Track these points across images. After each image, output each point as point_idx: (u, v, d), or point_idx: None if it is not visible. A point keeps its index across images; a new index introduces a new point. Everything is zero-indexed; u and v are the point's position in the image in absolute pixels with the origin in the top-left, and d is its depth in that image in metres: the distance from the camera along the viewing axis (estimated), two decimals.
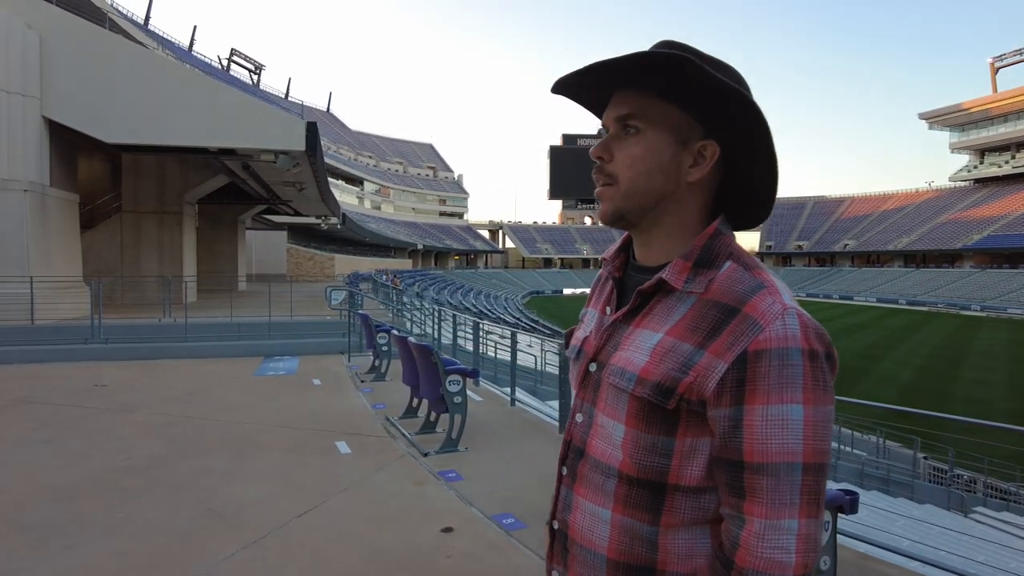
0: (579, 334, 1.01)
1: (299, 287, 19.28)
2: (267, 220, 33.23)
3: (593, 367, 0.91)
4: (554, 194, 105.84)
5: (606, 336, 0.90)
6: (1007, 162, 74.97)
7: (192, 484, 4.27)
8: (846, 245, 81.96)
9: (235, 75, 59.27)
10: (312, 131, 13.42)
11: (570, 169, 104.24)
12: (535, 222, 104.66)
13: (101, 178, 18.86)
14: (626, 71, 0.83)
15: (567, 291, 77.51)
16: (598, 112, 0.93)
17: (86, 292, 11.90)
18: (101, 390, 7.35)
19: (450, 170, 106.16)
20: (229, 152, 14.00)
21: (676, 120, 0.85)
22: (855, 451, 14.46)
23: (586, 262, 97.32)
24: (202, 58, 52.74)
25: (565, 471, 0.93)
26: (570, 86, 0.88)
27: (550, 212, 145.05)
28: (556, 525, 0.92)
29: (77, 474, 4.43)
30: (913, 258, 72.29)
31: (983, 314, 49.81)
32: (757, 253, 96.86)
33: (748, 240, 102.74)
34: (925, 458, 14.03)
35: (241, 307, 13.93)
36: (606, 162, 0.88)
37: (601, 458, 0.86)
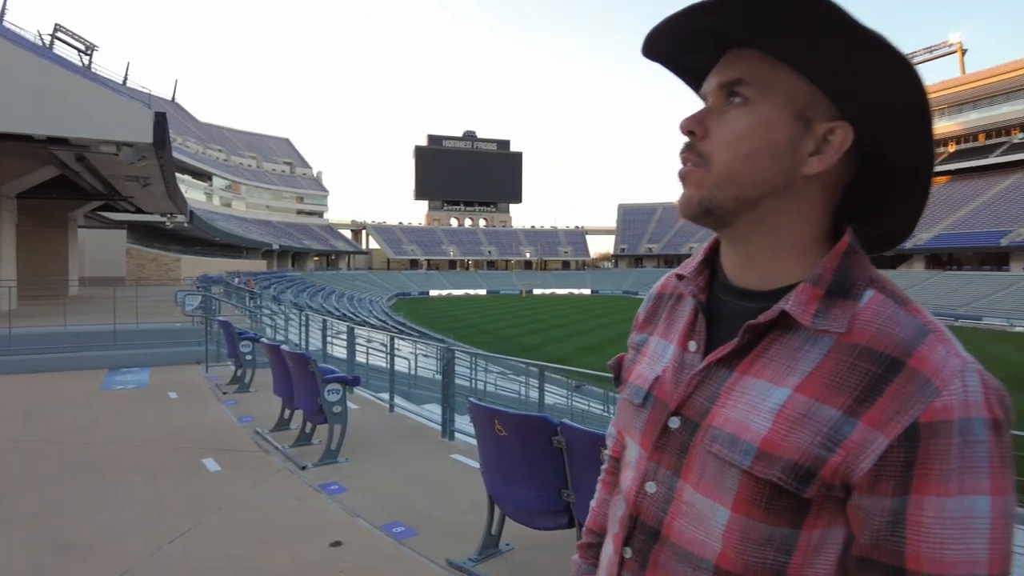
0: (643, 371, 0.79)
1: (143, 291, 17.67)
2: (103, 218, 30.11)
3: (675, 423, 0.70)
4: (420, 194, 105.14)
5: (696, 383, 0.69)
6: None
7: (39, 518, 3.81)
8: (692, 247, 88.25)
9: (61, 54, 53.07)
10: (161, 122, 12.38)
11: (436, 169, 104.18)
12: (401, 223, 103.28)
13: None
14: (747, 12, 0.61)
15: (434, 292, 77.26)
16: (697, 83, 0.72)
17: None
18: None
19: (308, 166, 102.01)
20: (60, 141, 12.54)
21: (798, 92, 0.64)
22: None
23: (452, 263, 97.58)
24: (16, 30, 46.64)
25: (629, 554, 0.72)
26: (668, 38, 0.67)
27: (416, 213, 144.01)
28: None
29: None
30: None
31: None
32: (612, 255, 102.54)
33: (604, 243, 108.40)
34: None
35: (77, 314, 12.53)
36: (699, 139, 0.68)
37: (689, 547, 0.66)
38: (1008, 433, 0.57)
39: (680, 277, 0.80)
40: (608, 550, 0.78)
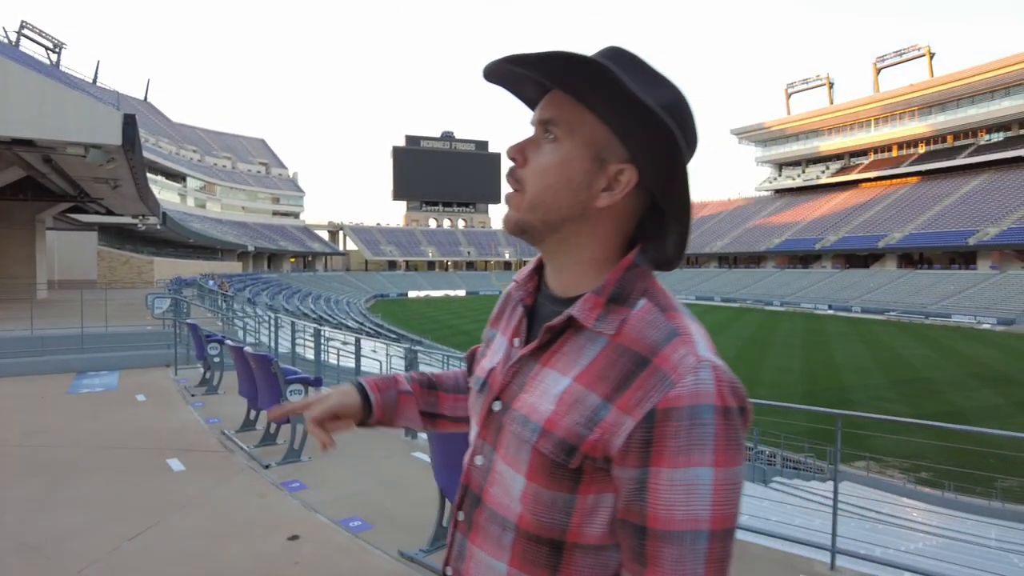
0: (485, 363, 0.90)
1: (114, 294, 17.51)
2: (73, 220, 29.68)
3: (497, 406, 0.82)
4: (398, 195, 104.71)
5: (512, 373, 0.82)
6: (799, 175, 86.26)
7: (1, 519, 3.86)
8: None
9: (27, 51, 52.12)
10: (130, 124, 12.28)
11: (414, 170, 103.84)
12: (378, 224, 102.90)
13: None
14: (545, 69, 0.73)
15: (412, 294, 77.06)
16: (533, 108, 0.83)
17: None
18: None
19: (284, 167, 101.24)
20: (26, 143, 12.40)
21: (597, 135, 0.75)
22: None
23: (431, 264, 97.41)
24: None
25: (462, 517, 0.86)
26: (497, 74, 0.79)
27: (394, 214, 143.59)
28: (450, 572, 0.87)
29: None
30: (726, 259, 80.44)
31: (782, 308, 56.70)
32: None
33: None
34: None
35: (44, 318, 12.41)
36: (519, 166, 0.79)
37: (498, 509, 0.79)
38: (739, 417, 0.68)
39: (516, 282, 0.92)
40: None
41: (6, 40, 50.66)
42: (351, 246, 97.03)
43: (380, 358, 11.92)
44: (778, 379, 23.24)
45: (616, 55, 0.76)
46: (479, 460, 0.84)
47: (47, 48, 56.84)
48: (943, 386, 21.90)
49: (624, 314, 0.75)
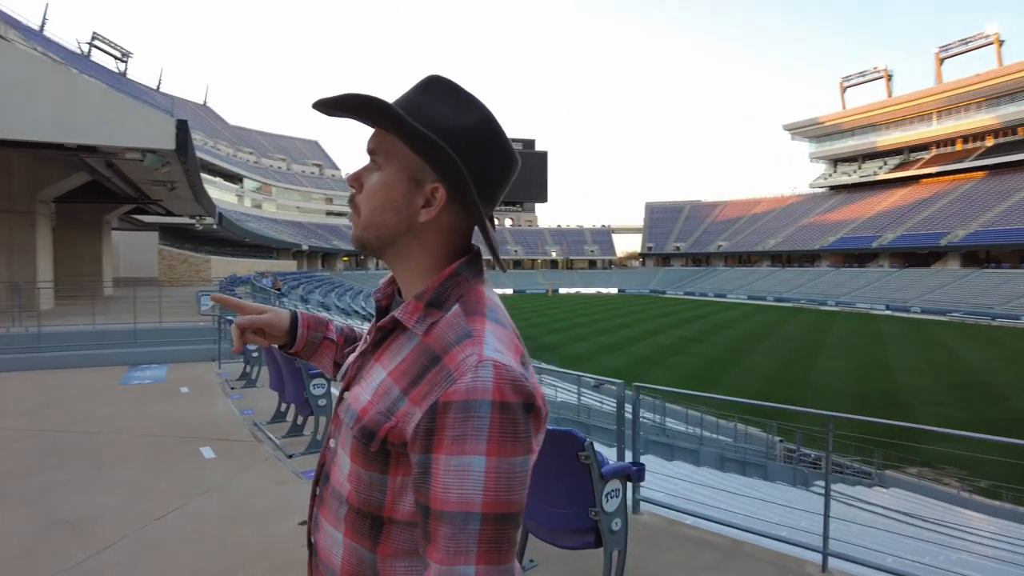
0: (350, 357, 0.99)
1: (172, 291, 18.41)
2: (136, 220, 31.18)
3: (345, 396, 0.93)
4: None
5: (357, 367, 0.93)
6: (855, 171, 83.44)
7: (43, 497, 4.21)
8: (720, 246, 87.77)
9: (97, 62, 54.85)
10: (183, 129, 12.89)
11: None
12: None
13: None
14: (344, 110, 0.84)
15: None
16: None
17: None
18: None
19: (337, 168, 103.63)
20: (90, 149, 13.18)
21: (411, 160, 0.85)
22: (720, 437, 15.83)
23: None
24: (57, 41, 48.38)
25: (318, 492, 0.96)
26: (326, 110, 0.87)
27: None
28: (313, 541, 0.96)
29: None
30: (779, 258, 78.53)
31: (837, 309, 55.02)
32: (639, 254, 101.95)
33: (631, 241, 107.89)
34: (780, 441, 15.68)
35: (106, 313, 13.14)
36: (356, 192, 0.90)
37: (336, 486, 0.90)
38: (522, 413, 0.76)
39: (380, 286, 1.04)
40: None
41: (79, 52, 53.42)
42: None
43: None
44: (825, 381, 22.62)
45: (431, 83, 0.88)
46: (332, 443, 0.95)
47: (116, 58, 59.72)
48: (1008, 391, 20.89)
49: (437, 317, 0.84)
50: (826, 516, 3.38)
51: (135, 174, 17.12)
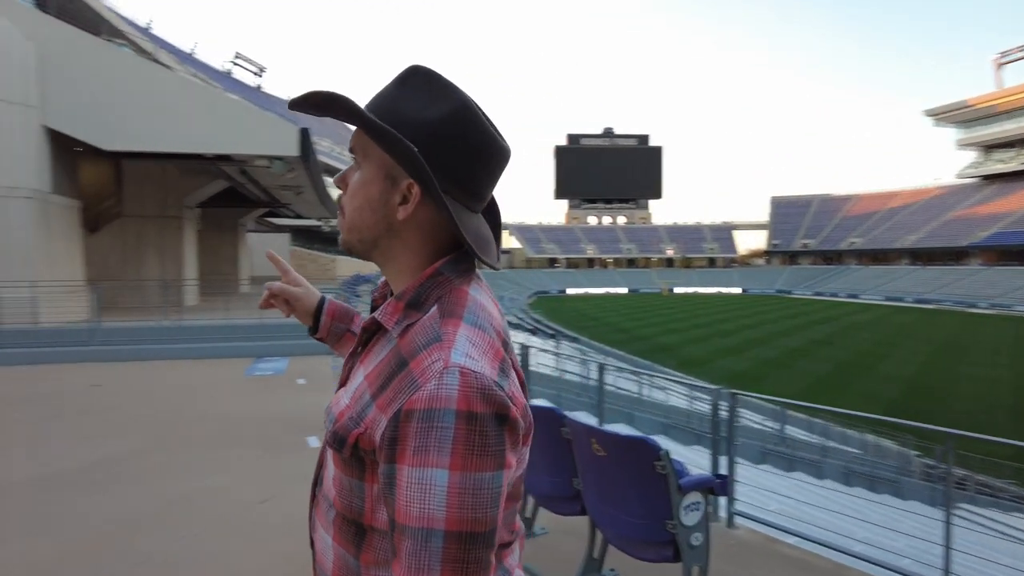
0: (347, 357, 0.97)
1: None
2: (269, 223, 33.70)
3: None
4: (560, 194, 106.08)
5: (349, 367, 0.91)
6: (1013, 158, 74.66)
7: (166, 474, 4.61)
8: (852, 243, 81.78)
9: (238, 78, 59.88)
10: (305, 137, 13.76)
11: (576, 168, 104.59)
12: (540, 222, 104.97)
13: (104, 183, 19.29)
14: (310, 107, 0.82)
15: (571, 291, 77.73)
16: None
17: (88, 295, 12.29)
18: (95, 390, 7.72)
19: None
20: (225, 158, 14.39)
21: (385, 157, 0.82)
22: (847, 449, 14.71)
23: (591, 262, 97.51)
24: (205, 62, 53.32)
25: (316, 492, 0.95)
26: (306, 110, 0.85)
27: (556, 212, 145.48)
28: (312, 540, 0.95)
29: (61, 467, 4.78)
30: (919, 255, 72.03)
31: (990, 312, 49.66)
32: (763, 252, 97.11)
33: (754, 239, 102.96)
34: (917, 455, 14.32)
35: (239, 309, 14.26)
36: (343, 193, 0.88)
37: (327, 490, 0.88)
38: (492, 424, 0.69)
39: (379, 286, 1.01)
40: None
41: (223, 70, 58.62)
42: (514, 244, 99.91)
43: (548, 360, 12.23)
44: (977, 391, 20.42)
45: (409, 75, 0.84)
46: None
47: (253, 73, 64.87)
48: None
49: (415, 319, 0.79)
50: (947, 546, 3.01)
51: (265, 180, 18.49)
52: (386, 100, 0.83)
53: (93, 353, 10.37)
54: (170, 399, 7.26)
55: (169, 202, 17.79)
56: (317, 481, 0.95)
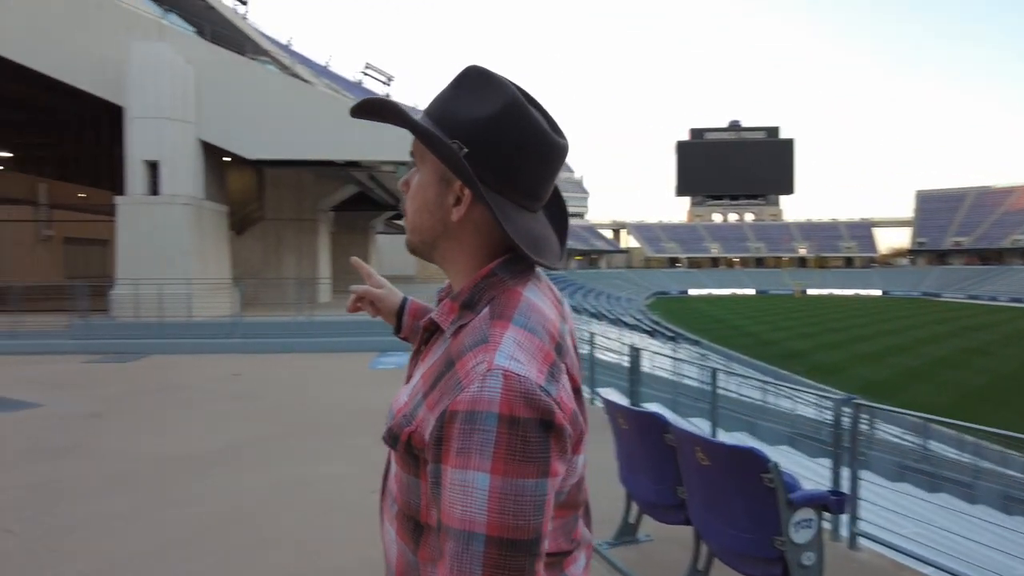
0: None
1: (423, 287, 20.42)
2: (396, 225, 35.29)
3: None
4: (681, 190, 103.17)
5: (412, 365, 0.92)
6: None
7: (290, 460, 4.95)
8: (1017, 240, 72.99)
9: (368, 88, 63.20)
10: None
11: (698, 164, 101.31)
12: (660, 220, 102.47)
13: (249, 190, 21.08)
14: (364, 113, 0.84)
15: (693, 292, 75.26)
16: None
17: (234, 292, 13.49)
18: (235, 379, 8.44)
19: (571, 171, 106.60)
20: (355, 164, 15.27)
21: (437, 159, 0.83)
22: (1007, 472, 13.13)
23: (715, 261, 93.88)
24: (338, 74, 56.81)
25: (385, 485, 0.95)
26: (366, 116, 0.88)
27: (677, 210, 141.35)
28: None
29: (200, 448, 5.27)
30: None
31: None
32: (908, 251, 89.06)
33: (897, 236, 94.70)
34: None
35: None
36: (406, 195, 0.89)
37: (390, 484, 0.89)
38: (536, 430, 0.68)
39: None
40: None
41: (355, 81, 62.20)
42: (632, 243, 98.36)
43: (665, 363, 11.95)
44: None
45: (464, 75, 0.85)
46: None
47: (382, 82, 68.29)
48: None
49: (468, 320, 0.79)
50: None
51: (392, 184, 19.40)
52: (441, 102, 0.84)
53: (235, 345, 11.37)
54: (301, 389, 7.80)
55: (305, 206, 19.15)
56: (386, 475, 0.96)
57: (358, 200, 21.66)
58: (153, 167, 13.54)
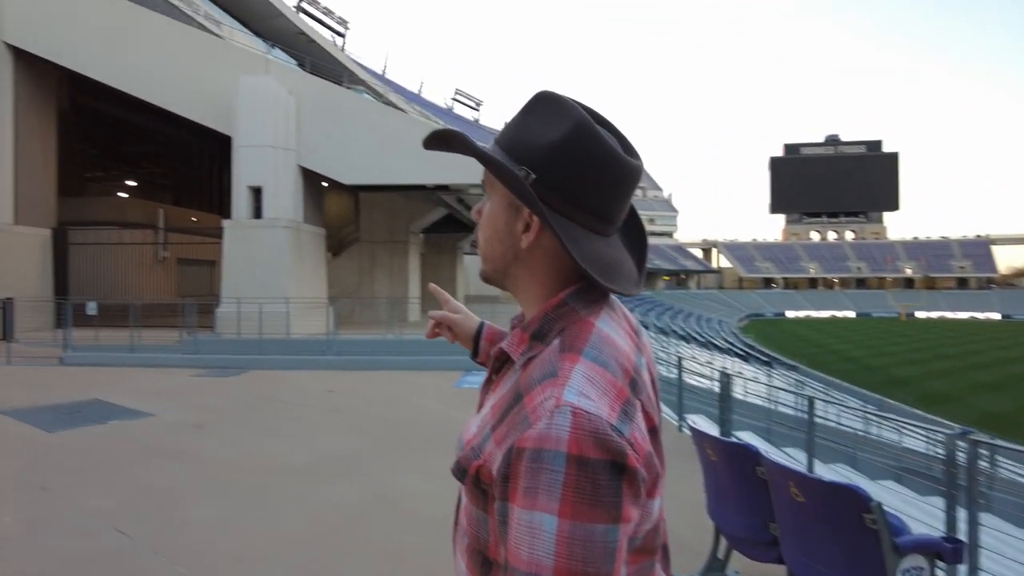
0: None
1: (507, 307, 20.55)
2: None
3: None
4: (776, 208, 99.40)
5: (484, 394, 0.89)
6: None
7: (377, 475, 5.05)
8: None
9: (458, 113, 65.01)
10: None
11: (794, 180, 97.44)
12: (754, 239, 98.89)
13: (345, 213, 22.07)
14: (435, 145, 0.85)
15: (790, 313, 71.92)
16: None
17: (329, 311, 14.08)
18: (328, 394, 8.75)
19: (659, 188, 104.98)
20: (444, 188, 15.68)
21: None
22: None
23: (813, 282, 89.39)
24: (429, 100, 58.76)
25: (457, 516, 0.92)
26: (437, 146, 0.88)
27: (771, 228, 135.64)
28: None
29: (294, 460, 5.47)
30: None
31: None
32: None
33: (1019, 255, 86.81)
34: None
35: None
36: (479, 224, 0.88)
37: (461, 515, 0.86)
38: (607, 473, 0.64)
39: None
40: None
41: (445, 107, 64.19)
42: (724, 263, 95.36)
43: (761, 389, 11.43)
44: None
45: (535, 101, 0.83)
46: None
47: (471, 107, 70.08)
48: None
49: (538, 351, 0.77)
50: None
51: None
52: (511, 129, 0.83)
53: (329, 362, 11.82)
54: (389, 405, 7.99)
55: (397, 228, 19.83)
56: (458, 506, 0.93)
57: (446, 222, 22.22)
58: (257, 192, 14.45)
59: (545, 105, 0.81)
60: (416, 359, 12.00)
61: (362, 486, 4.77)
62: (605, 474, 0.64)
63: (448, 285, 26.62)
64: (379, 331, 14.31)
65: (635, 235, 0.92)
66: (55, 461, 5.43)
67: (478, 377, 10.54)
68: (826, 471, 6.52)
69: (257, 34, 26.63)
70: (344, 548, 3.68)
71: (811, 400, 5.32)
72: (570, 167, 0.78)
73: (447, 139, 0.84)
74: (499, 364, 0.85)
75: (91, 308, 13.57)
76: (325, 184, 16.31)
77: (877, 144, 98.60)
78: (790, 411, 10.92)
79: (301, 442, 6.10)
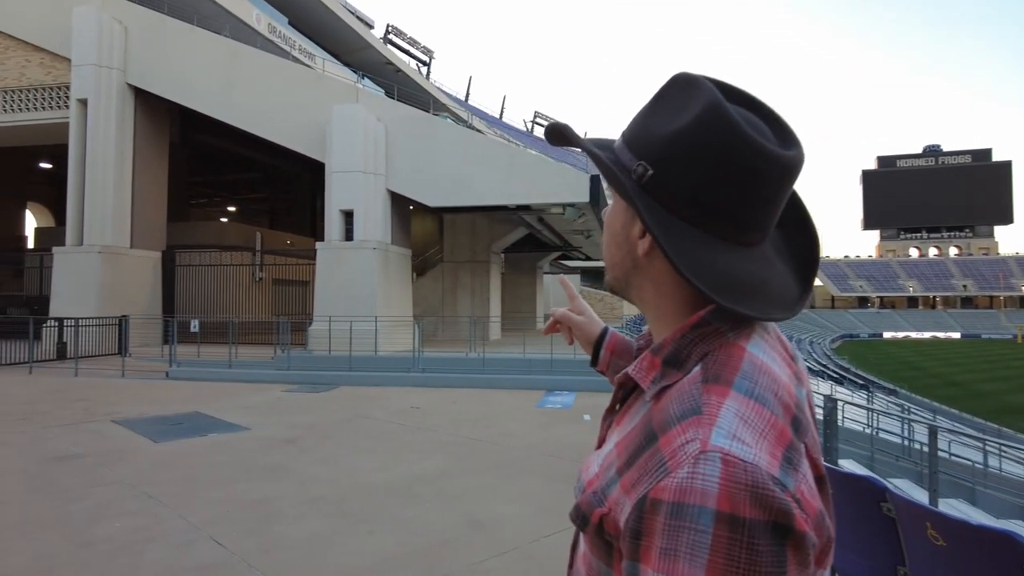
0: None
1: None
2: (562, 265, 35.88)
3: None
4: (869, 223, 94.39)
5: (607, 424, 0.78)
6: None
7: (465, 496, 5.10)
8: None
9: (538, 136, 65.59)
10: (595, 184, 14.47)
11: (889, 194, 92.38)
12: (846, 256, 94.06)
13: (430, 234, 22.65)
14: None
15: (888, 334, 67.78)
16: None
17: (416, 329, 14.46)
18: (414, 412, 8.95)
19: None
20: (525, 208, 15.85)
21: None
22: None
23: (913, 301, 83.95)
24: (510, 123, 59.68)
25: (573, 557, 0.83)
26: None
27: (865, 245, 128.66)
28: None
29: (384, 478, 5.62)
30: None
31: None
32: None
33: None
34: None
35: (535, 344, 15.36)
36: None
37: (579, 560, 0.76)
38: (768, 536, 0.52)
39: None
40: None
41: (525, 129, 65.00)
42: (815, 282, 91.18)
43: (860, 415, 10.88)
44: None
45: (668, 85, 0.71)
46: None
47: None
48: None
49: (673, 380, 0.65)
50: None
51: (559, 226, 19.84)
52: (637, 120, 0.72)
53: (415, 379, 12.10)
54: (472, 424, 8.08)
55: (479, 248, 20.18)
56: (574, 549, 0.82)
57: (525, 241, 22.40)
58: (348, 216, 15.09)
59: (677, 89, 0.69)
60: (497, 377, 12.10)
61: (453, 507, 4.83)
62: (765, 538, 0.52)
63: (527, 305, 26.74)
64: (461, 349, 14.55)
65: (801, 241, 0.75)
66: (160, 470, 5.81)
67: (560, 397, 10.52)
68: (944, 507, 6.09)
69: (348, 65, 27.99)
70: (441, 572, 3.74)
71: (933, 429, 4.97)
72: (692, 160, 0.65)
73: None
74: (625, 393, 0.74)
75: (194, 326, 14.50)
76: (411, 207, 16.83)
77: (986, 153, 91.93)
78: (894, 438, 10.28)
79: (391, 460, 6.27)
